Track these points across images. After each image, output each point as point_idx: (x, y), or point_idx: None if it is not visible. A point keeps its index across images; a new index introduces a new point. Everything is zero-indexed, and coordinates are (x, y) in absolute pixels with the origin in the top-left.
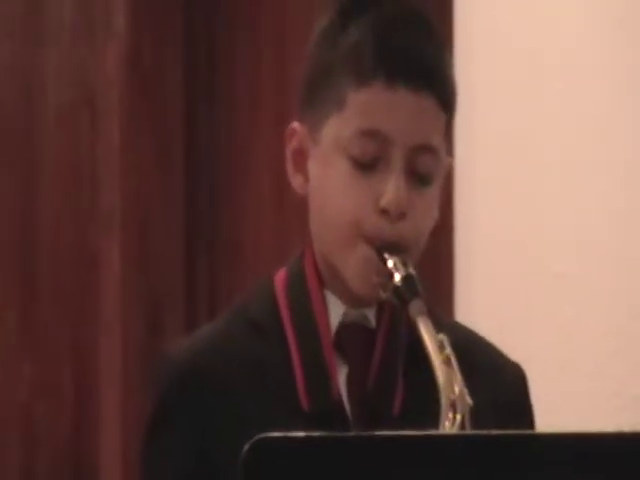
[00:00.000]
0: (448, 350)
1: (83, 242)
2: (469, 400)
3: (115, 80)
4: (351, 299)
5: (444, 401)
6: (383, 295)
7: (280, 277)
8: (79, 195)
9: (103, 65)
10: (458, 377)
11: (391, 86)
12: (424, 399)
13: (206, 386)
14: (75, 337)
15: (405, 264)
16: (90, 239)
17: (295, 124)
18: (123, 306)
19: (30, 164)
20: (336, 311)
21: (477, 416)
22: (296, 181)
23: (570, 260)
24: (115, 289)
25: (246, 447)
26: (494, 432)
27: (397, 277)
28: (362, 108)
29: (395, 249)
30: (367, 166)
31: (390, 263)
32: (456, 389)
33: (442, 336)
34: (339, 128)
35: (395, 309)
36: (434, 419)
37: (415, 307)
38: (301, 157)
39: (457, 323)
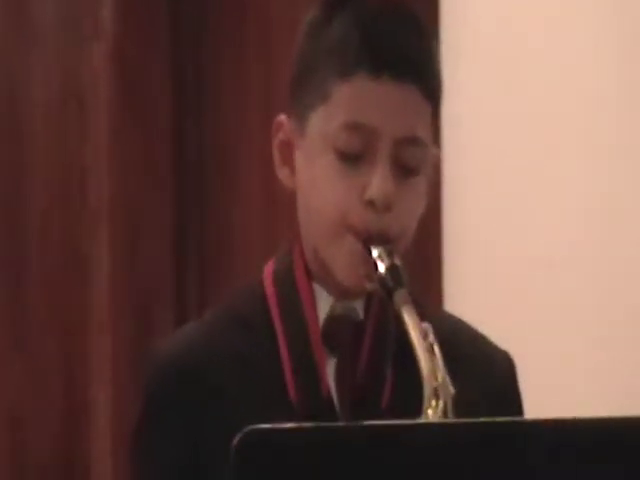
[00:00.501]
0: (431, 338)
1: (72, 242)
2: (451, 388)
3: (102, 79)
4: (339, 291)
5: (427, 389)
6: (369, 286)
7: (268, 271)
8: (67, 195)
9: (90, 64)
10: (441, 365)
11: (375, 78)
12: (413, 391)
13: (194, 383)
14: (65, 337)
15: (390, 254)
16: (79, 239)
17: (282, 117)
18: (113, 306)
19: (17, 164)
20: (324, 304)
21: (464, 404)
22: (283, 174)
23: (559, 251)
24: (104, 289)
25: (236, 438)
26: (479, 419)
27: (382, 267)
28: (347, 100)
29: (381, 240)
30: (353, 158)
31: (375, 253)
32: (439, 377)
33: (426, 325)
34: (324, 121)
35: (383, 301)
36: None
37: (399, 297)
38: (288, 150)
39: (445, 313)
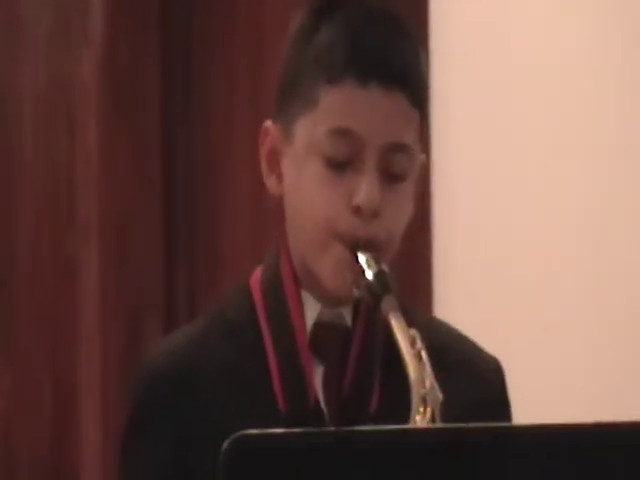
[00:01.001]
0: (419, 345)
1: (61, 251)
2: (440, 394)
3: (92, 87)
4: (327, 298)
5: (415, 395)
6: (356, 292)
7: (256, 278)
8: (56, 203)
9: (80, 72)
10: (429, 372)
11: (363, 85)
12: (401, 397)
13: (183, 392)
14: (54, 346)
15: (377, 261)
16: (68, 247)
17: (268, 123)
18: (102, 314)
19: (6, 171)
20: (312, 311)
21: (452, 410)
22: (270, 182)
23: (550, 258)
24: (94, 297)
25: (225, 444)
26: (467, 425)
27: (369, 274)
28: (334, 107)
29: (368, 247)
30: (340, 165)
31: (362, 260)
32: (427, 383)
33: (413, 331)
34: (311, 128)
35: (370, 307)
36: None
37: (387, 303)
38: (275, 157)
39: (433, 318)
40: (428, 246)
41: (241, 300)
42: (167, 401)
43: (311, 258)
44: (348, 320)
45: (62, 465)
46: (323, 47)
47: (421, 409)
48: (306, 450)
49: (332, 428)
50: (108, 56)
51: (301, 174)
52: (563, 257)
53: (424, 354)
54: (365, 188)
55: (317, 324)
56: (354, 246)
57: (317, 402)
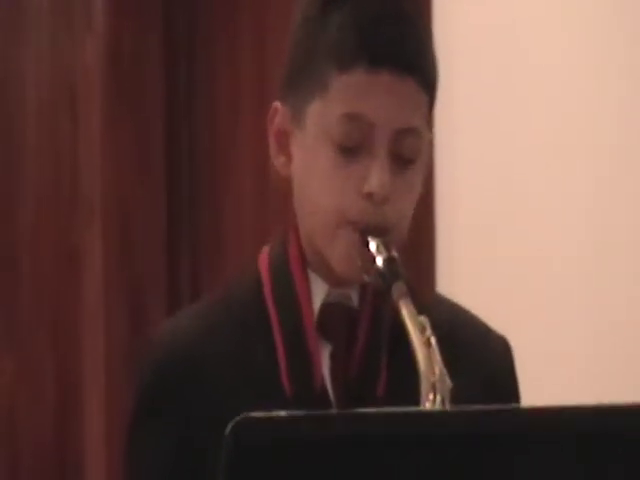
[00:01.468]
0: (429, 332)
1: (64, 235)
2: (449, 382)
3: (95, 73)
4: (334, 279)
5: (424, 383)
6: (366, 278)
7: (263, 258)
8: (60, 188)
9: (83, 58)
10: (438, 359)
11: (374, 71)
12: (408, 379)
13: (189, 374)
14: (57, 332)
15: (388, 247)
16: (71, 232)
17: (277, 104)
18: (105, 300)
19: (10, 157)
20: (319, 291)
21: (462, 392)
22: (279, 162)
23: (553, 243)
24: (97, 283)
25: (229, 426)
26: (475, 408)
27: (379, 260)
28: (345, 93)
29: (378, 232)
30: (351, 151)
31: (373, 246)
32: (436, 371)
33: (423, 318)
34: (322, 113)
35: (377, 289)
36: (418, 399)
37: (397, 290)
38: (284, 138)
39: (442, 298)
40: (431, 235)
41: (248, 280)
42: (174, 385)
43: (321, 243)
44: (355, 301)
45: (66, 451)
46: (334, 33)
47: (431, 397)
48: (310, 433)
49: (336, 411)
50: (111, 43)
51: (311, 158)
52: (568, 242)
53: (433, 341)
54: (376, 174)
55: (324, 305)
56: (365, 232)
57: (323, 383)
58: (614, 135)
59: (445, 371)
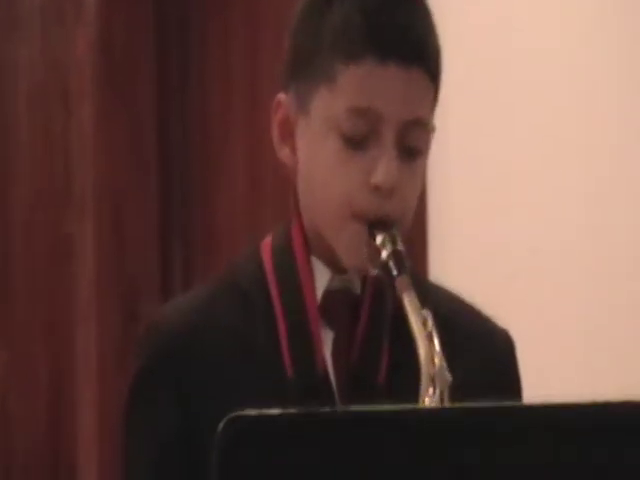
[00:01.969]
0: (430, 326)
1: (57, 230)
2: (448, 376)
3: (86, 65)
4: (337, 266)
5: (424, 377)
6: (372, 271)
7: (266, 244)
8: (52, 181)
9: (74, 50)
10: (439, 353)
11: (382, 62)
12: (409, 366)
13: (191, 352)
14: (50, 325)
15: (393, 240)
16: (64, 226)
17: (281, 95)
18: (98, 294)
19: (2, 151)
20: (322, 278)
21: (463, 383)
22: (283, 152)
23: (546, 236)
24: (90, 276)
25: (220, 425)
26: (473, 404)
27: (385, 253)
28: (353, 85)
29: (385, 225)
30: (358, 143)
31: (379, 239)
32: (436, 365)
33: (426, 312)
34: (329, 104)
35: (379, 277)
36: (419, 386)
37: (401, 283)
38: (288, 128)
39: (444, 291)
40: (423, 227)
41: (251, 265)
42: (175, 362)
43: (327, 233)
44: (358, 287)
45: (58, 447)
46: (340, 23)
47: (430, 390)
48: (303, 430)
49: (330, 408)
50: (103, 35)
51: (317, 149)
52: (562, 235)
53: (435, 335)
54: (384, 166)
55: (327, 291)
56: (371, 224)
57: (325, 369)
58: (609, 131)
59: (445, 365)
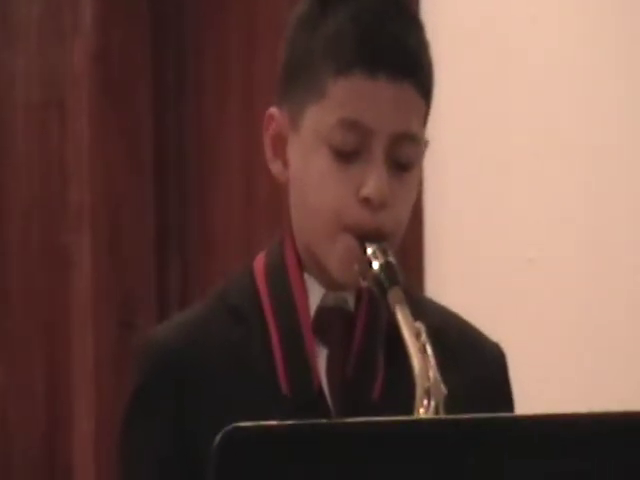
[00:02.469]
0: (424, 338)
1: (53, 239)
2: (443, 389)
3: (83, 78)
4: (331, 283)
5: (419, 389)
6: (363, 283)
7: (259, 262)
8: (49, 193)
9: (71, 63)
10: (433, 365)
11: (372, 76)
12: (404, 383)
13: (187, 370)
14: (47, 335)
15: (385, 252)
16: (60, 237)
17: (273, 110)
18: (95, 305)
19: None
20: (316, 295)
21: (455, 396)
22: (275, 167)
23: (542, 245)
24: (86, 288)
25: (218, 437)
26: (471, 416)
27: (376, 265)
28: (343, 98)
29: (376, 237)
30: (348, 156)
31: (370, 251)
32: (431, 377)
33: (419, 324)
34: (319, 118)
35: (373, 293)
36: (414, 402)
37: (393, 295)
38: (280, 143)
39: (437, 304)
40: (419, 236)
41: (244, 284)
42: (171, 380)
43: (318, 248)
44: (351, 304)
45: (56, 455)
46: (331, 37)
47: (425, 403)
48: (300, 442)
49: (325, 420)
50: (99, 44)
51: (308, 163)
52: (558, 243)
53: (429, 347)
54: (374, 179)
55: (321, 308)
56: (362, 237)
57: (320, 386)
58: (608, 133)
59: (440, 378)
